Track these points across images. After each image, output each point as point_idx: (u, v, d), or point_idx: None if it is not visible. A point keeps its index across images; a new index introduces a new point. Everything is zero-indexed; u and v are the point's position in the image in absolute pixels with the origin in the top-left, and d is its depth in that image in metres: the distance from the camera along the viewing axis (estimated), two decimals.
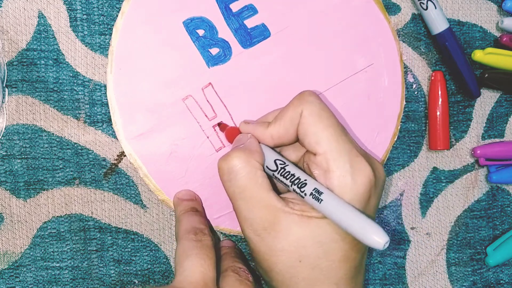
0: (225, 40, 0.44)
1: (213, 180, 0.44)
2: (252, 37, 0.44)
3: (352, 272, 0.38)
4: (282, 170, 0.38)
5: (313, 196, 0.36)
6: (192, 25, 0.43)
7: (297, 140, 0.40)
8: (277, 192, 0.39)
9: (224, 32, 0.44)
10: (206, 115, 0.43)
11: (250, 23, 0.44)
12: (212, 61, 0.44)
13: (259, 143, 0.40)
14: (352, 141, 0.38)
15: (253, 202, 0.37)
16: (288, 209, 0.37)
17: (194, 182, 0.44)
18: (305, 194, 0.36)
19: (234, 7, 0.44)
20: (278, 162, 0.38)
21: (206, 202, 0.44)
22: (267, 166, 0.39)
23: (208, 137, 0.43)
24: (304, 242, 0.36)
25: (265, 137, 0.40)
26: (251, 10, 0.44)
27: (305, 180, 0.37)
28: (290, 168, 0.38)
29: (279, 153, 0.42)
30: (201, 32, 0.43)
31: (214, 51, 0.44)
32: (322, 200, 0.35)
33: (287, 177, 0.37)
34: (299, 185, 0.37)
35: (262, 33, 0.44)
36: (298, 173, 0.37)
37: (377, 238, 0.33)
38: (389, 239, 0.33)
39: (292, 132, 0.39)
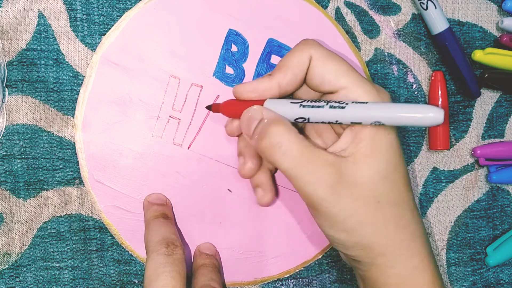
0: (244, 71, 0.44)
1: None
2: None
3: (412, 195, 0.38)
4: (308, 122, 0.37)
5: (353, 123, 0.35)
6: (234, 37, 0.44)
7: (300, 87, 0.39)
8: None
9: (249, 66, 0.45)
10: (174, 102, 0.43)
11: None
12: (220, 74, 0.44)
13: (263, 104, 0.38)
14: None
15: (313, 163, 0.35)
16: (341, 159, 0.35)
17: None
18: (348, 122, 0.35)
19: (274, 59, 0.45)
20: (299, 120, 0.37)
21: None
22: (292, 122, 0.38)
23: (158, 117, 0.43)
24: (372, 183, 0.35)
25: (272, 88, 0.38)
26: None
27: (336, 120, 0.35)
28: (316, 118, 0.36)
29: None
30: (234, 48, 0.44)
31: (229, 70, 0.44)
32: (367, 108, 0.34)
33: (319, 122, 0.37)
34: (336, 122, 0.36)
35: None
36: (327, 116, 0.36)
37: (434, 114, 0.32)
38: (444, 110, 0.32)
39: (301, 77, 0.38)
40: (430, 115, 0.32)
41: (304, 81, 0.38)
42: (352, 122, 0.35)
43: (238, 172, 0.42)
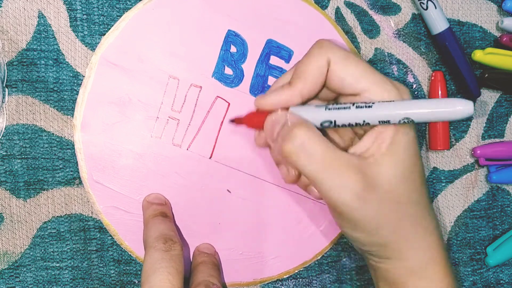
0: (243, 72, 0.44)
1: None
2: (263, 91, 0.45)
3: (428, 192, 0.38)
4: (334, 126, 0.36)
5: (381, 122, 0.35)
6: (233, 38, 0.44)
7: (321, 90, 0.38)
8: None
9: (248, 67, 0.45)
10: (173, 103, 0.44)
11: (272, 81, 0.45)
12: (219, 75, 0.44)
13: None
14: None
15: (339, 167, 0.34)
16: (363, 161, 0.35)
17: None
18: (376, 122, 0.35)
19: (273, 60, 0.45)
20: (325, 124, 0.36)
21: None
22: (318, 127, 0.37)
23: (157, 118, 0.43)
24: (393, 184, 0.35)
25: (294, 97, 0.37)
26: (281, 74, 0.44)
27: (363, 121, 0.35)
28: (343, 120, 0.36)
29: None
30: (233, 49, 0.44)
31: (228, 71, 0.44)
32: (395, 106, 0.34)
33: (346, 126, 0.36)
34: (363, 124, 0.35)
35: None
36: (354, 117, 0.35)
37: (463, 106, 0.32)
38: (473, 103, 0.32)
39: (321, 82, 0.37)
40: (459, 108, 0.32)
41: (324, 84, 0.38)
42: (380, 122, 0.35)
43: (284, 181, 0.40)
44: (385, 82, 0.36)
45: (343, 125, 0.36)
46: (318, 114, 0.36)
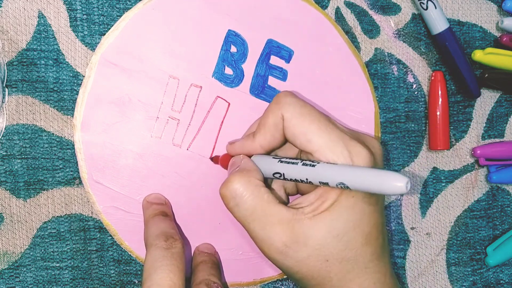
0: (243, 72, 0.44)
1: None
2: (263, 91, 0.45)
3: (378, 253, 0.38)
4: (285, 179, 0.38)
5: (321, 183, 0.35)
6: (233, 38, 0.44)
7: (286, 141, 0.40)
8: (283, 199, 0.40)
9: (248, 67, 0.44)
10: (173, 103, 0.44)
11: (272, 81, 0.45)
12: (219, 75, 0.44)
13: (251, 157, 0.40)
14: (340, 127, 0.38)
15: (265, 220, 0.36)
16: (300, 216, 0.36)
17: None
18: (317, 182, 0.36)
19: (273, 60, 0.45)
20: (276, 175, 0.38)
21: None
22: (268, 177, 0.39)
23: (157, 118, 0.43)
24: (324, 241, 0.36)
25: (255, 148, 0.40)
26: (282, 74, 0.45)
27: (306, 178, 0.36)
28: (290, 175, 0.37)
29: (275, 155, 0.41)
30: (233, 48, 0.44)
31: (228, 71, 0.44)
32: (333, 170, 0.35)
33: (293, 180, 0.37)
34: (307, 181, 0.36)
35: (272, 96, 0.45)
36: (299, 174, 0.37)
37: (397, 183, 0.31)
38: (409, 179, 0.32)
39: (279, 137, 0.39)
40: (394, 184, 0.31)
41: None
42: (320, 182, 0.35)
43: None
44: (336, 144, 0.36)
45: (292, 180, 0.37)
46: (271, 165, 0.38)
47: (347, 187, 0.34)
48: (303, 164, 0.36)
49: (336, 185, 0.34)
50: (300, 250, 0.36)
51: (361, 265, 0.37)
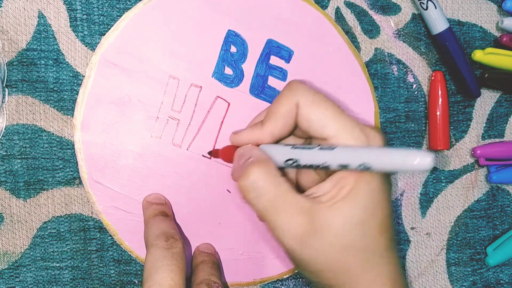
0: (243, 72, 0.44)
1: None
2: (263, 91, 0.45)
3: (390, 243, 0.38)
4: (297, 166, 0.37)
5: (341, 166, 0.35)
6: (233, 38, 0.44)
7: (293, 131, 0.39)
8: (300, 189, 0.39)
9: (248, 67, 0.44)
10: (173, 103, 0.44)
11: (272, 81, 0.45)
12: (219, 75, 0.44)
13: (258, 146, 0.40)
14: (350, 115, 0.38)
15: (285, 210, 0.36)
16: (319, 205, 0.36)
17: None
18: (335, 166, 0.35)
19: (273, 60, 0.45)
20: (289, 162, 0.37)
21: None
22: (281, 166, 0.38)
23: (157, 118, 0.43)
24: (343, 230, 0.35)
25: (265, 137, 0.39)
26: (282, 74, 0.45)
27: (325, 162, 0.36)
28: (306, 160, 0.37)
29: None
30: (233, 49, 0.44)
31: (228, 71, 0.44)
32: (354, 151, 0.34)
33: (306, 167, 0.37)
34: (325, 166, 0.36)
35: (272, 96, 0.45)
36: (317, 159, 0.36)
37: (423, 159, 0.31)
38: (433, 155, 0.32)
39: (291, 124, 0.38)
40: (418, 160, 0.31)
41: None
42: (339, 165, 0.35)
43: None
44: (353, 128, 0.36)
45: (306, 166, 0.37)
46: (283, 152, 0.38)
47: (368, 168, 0.34)
48: (320, 149, 0.36)
49: (358, 166, 0.34)
50: (320, 239, 0.35)
51: (377, 254, 0.37)
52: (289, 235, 0.36)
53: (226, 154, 0.42)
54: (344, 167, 0.35)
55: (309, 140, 0.40)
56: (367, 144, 0.36)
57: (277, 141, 0.40)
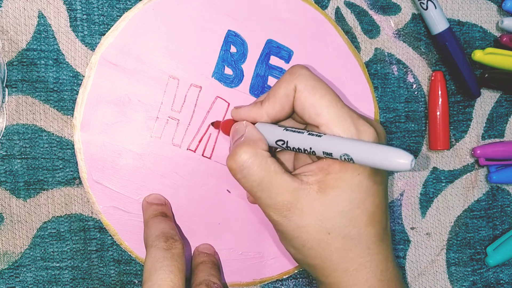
0: (243, 72, 0.44)
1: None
2: (263, 91, 0.45)
3: (381, 235, 0.38)
4: (287, 147, 0.38)
5: (325, 154, 0.35)
6: (233, 38, 0.44)
7: (292, 114, 0.40)
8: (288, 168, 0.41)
9: (248, 67, 0.45)
10: (172, 103, 0.44)
11: (272, 81, 0.45)
12: (219, 75, 0.44)
13: (255, 124, 0.40)
14: (348, 106, 0.38)
15: (272, 190, 0.37)
16: (305, 186, 0.37)
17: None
18: (320, 153, 0.36)
19: (273, 60, 0.45)
20: (279, 142, 0.38)
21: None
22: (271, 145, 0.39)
23: (157, 118, 0.43)
24: (327, 214, 0.36)
25: (261, 116, 0.40)
26: (281, 74, 0.45)
27: (310, 148, 0.36)
28: (294, 143, 0.37)
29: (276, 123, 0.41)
30: (233, 49, 0.44)
31: (228, 71, 0.44)
32: (339, 142, 0.35)
33: (295, 150, 0.37)
34: (310, 151, 0.36)
35: None
36: (303, 143, 0.37)
37: (401, 159, 0.31)
38: (414, 157, 0.32)
39: (288, 107, 0.39)
40: (398, 160, 0.32)
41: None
42: (324, 153, 0.35)
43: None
44: (344, 120, 0.36)
45: (295, 149, 0.37)
46: (276, 132, 0.38)
47: (351, 160, 0.34)
48: (309, 134, 0.36)
49: (340, 156, 0.35)
50: (302, 217, 0.37)
51: (363, 245, 0.37)
52: (274, 209, 0.37)
53: (225, 127, 0.43)
54: (328, 154, 0.35)
55: (307, 126, 0.40)
56: (357, 137, 0.36)
57: (275, 122, 0.40)
